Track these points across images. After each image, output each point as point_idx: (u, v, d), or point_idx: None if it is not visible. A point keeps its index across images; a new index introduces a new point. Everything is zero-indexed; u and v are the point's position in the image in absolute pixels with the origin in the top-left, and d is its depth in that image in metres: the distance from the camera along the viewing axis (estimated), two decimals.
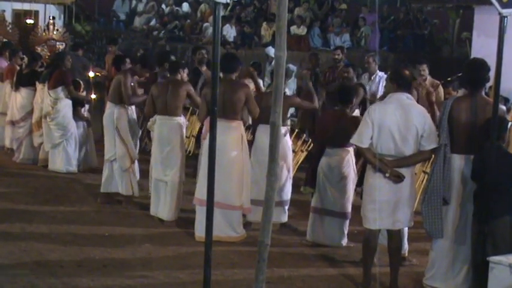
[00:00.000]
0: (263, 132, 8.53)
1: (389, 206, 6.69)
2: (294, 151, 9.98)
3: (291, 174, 8.96)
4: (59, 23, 19.96)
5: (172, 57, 12.01)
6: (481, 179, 6.43)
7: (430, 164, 7.19)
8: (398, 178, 6.61)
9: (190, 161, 10.30)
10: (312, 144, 10.07)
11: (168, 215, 8.89)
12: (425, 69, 10.91)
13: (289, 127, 9.27)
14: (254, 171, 8.56)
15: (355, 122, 8.06)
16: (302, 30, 21.32)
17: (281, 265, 7.50)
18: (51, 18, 16.86)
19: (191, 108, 11.52)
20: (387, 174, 6.61)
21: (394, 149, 6.64)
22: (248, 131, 9.96)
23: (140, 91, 10.15)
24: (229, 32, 20.93)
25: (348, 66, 11.71)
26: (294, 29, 21.16)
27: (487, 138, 6.42)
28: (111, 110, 9.68)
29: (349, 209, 8.31)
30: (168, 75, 9.50)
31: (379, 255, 6.94)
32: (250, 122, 9.41)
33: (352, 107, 8.72)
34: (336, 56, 12.62)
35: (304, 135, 10.38)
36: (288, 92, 9.88)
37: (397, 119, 6.62)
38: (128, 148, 9.63)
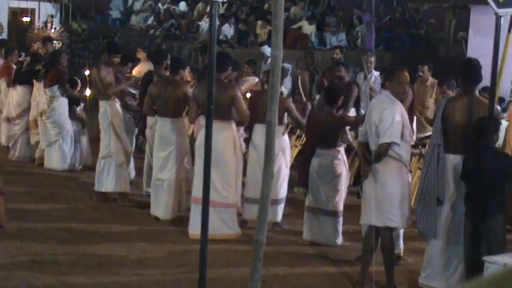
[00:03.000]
0: (259, 131, 8.54)
1: (371, 202, 6.77)
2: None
3: (288, 172, 8.97)
4: (55, 21, 19.98)
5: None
6: (472, 179, 6.45)
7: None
8: (364, 174, 6.84)
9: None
10: (304, 140, 10.09)
11: (164, 213, 8.90)
12: (425, 71, 10.95)
13: (285, 125, 9.25)
14: (252, 170, 8.56)
15: (342, 122, 8.16)
16: (311, 29, 21.31)
17: (276, 264, 7.51)
18: (50, 16, 16.87)
19: (187, 108, 11.48)
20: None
21: (372, 144, 6.81)
22: (246, 130, 9.96)
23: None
24: (228, 31, 20.92)
25: (339, 65, 11.66)
26: (305, 26, 21.17)
27: (478, 138, 6.45)
28: (104, 107, 9.67)
29: (341, 207, 8.34)
30: (167, 73, 9.44)
31: (375, 254, 6.95)
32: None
33: (341, 106, 8.74)
34: (335, 56, 12.56)
35: (298, 130, 10.35)
36: (285, 91, 9.87)
37: (370, 115, 6.84)
38: (122, 143, 9.62)
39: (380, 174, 6.73)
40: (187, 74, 9.43)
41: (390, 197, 6.77)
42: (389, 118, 6.70)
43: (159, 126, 9.02)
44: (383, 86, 7.04)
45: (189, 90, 9.07)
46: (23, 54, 13.27)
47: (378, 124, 6.69)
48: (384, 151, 6.72)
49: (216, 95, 8.08)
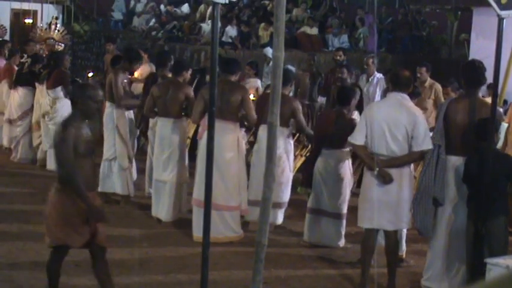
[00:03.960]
0: (264, 133, 8.51)
1: (379, 206, 6.70)
2: (294, 155, 9.92)
3: (292, 176, 8.95)
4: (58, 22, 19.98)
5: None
6: (474, 180, 6.44)
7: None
8: (384, 178, 6.64)
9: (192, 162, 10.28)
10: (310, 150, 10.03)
11: (166, 215, 8.89)
12: (422, 72, 10.93)
13: (291, 129, 9.20)
14: (255, 172, 8.55)
15: (353, 124, 8.09)
16: (314, 31, 21.32)
17: (278, 266, 7.51)
18: (54, 17, 16.84)
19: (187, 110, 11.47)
20: (375, 173, 6.66)
21: (386, 148, 6.67)
22: (250, 132, 9.95)
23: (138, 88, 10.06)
24: (231, 32, 20.93)
25: (342, 67, 11.65)
26: (307, 29, 21.20)
27: (479, 140, 6.44)
28: (110, 109, 9.66)
29: (345, 210, 8.31)
30: (170, 75, 9.40)
31: (377, 256, 6.94)
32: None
33: (349, 108, 8.73)
34: (338, 57, 12.53)
35: (306, 139, 10.30)
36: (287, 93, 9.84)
37: (387, 117, 6.67)
38: (127, 147, 9.62)
39: (397, 178, 6.69)
40: (188, 75, 9.39)
41: (407, 200, 6.79)
42: (424, 123, 6.72)
43: (159, 127, 9.02)
44: (395, 87, 6.90)
45: (191, 93, 9.06)
46: (25, 55, 13.28)
47: (411, 129, 6.60)
48: (418, 157, 6.76)
49: (226, 96, 8.14)
